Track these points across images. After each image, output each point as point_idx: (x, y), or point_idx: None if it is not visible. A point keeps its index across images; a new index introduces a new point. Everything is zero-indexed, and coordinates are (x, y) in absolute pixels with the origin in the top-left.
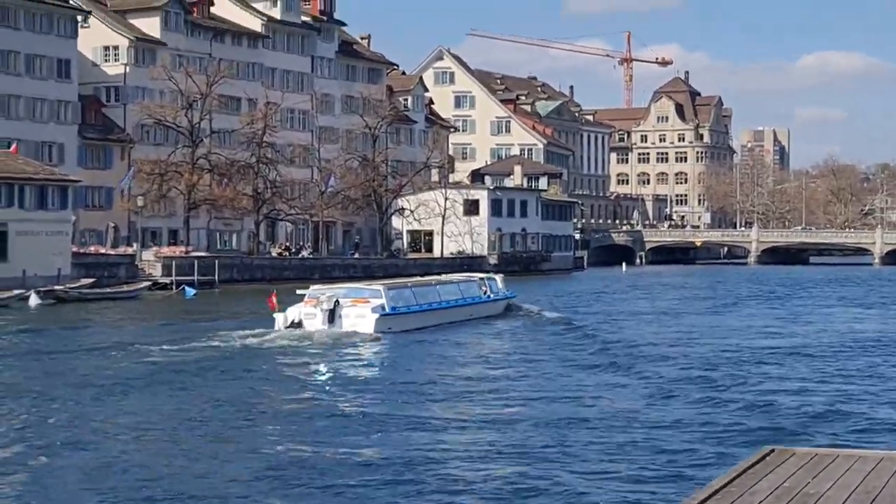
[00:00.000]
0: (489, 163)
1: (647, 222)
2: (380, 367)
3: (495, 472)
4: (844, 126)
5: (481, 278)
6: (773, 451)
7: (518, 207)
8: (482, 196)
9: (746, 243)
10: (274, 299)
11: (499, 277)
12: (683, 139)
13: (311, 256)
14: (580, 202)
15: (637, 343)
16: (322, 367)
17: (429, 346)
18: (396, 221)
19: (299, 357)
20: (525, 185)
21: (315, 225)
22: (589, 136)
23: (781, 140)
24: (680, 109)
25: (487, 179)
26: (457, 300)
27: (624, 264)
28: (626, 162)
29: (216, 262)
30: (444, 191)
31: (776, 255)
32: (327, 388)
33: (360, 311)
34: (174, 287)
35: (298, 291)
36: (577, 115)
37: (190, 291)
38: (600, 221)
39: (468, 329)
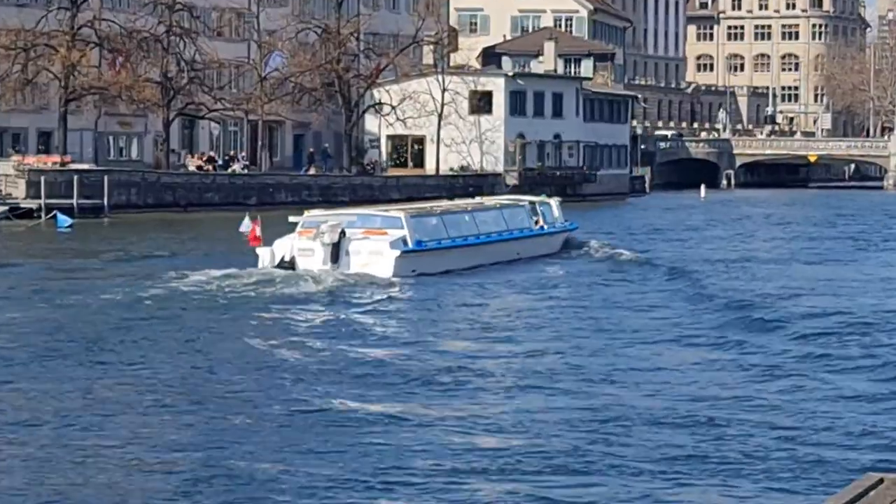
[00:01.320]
0: (509, 38)
1: (738, 127)
2: (405, 333)
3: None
4: None
5: (532, 203)
6: (881, 480)
7: (549, 103)
8: (497, 86)
9: (882, 159)
10: (257, 228)
11: (554, 201)
12: (794, 6)
13: (244, 172)
14: (641, 96)
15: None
16: (324, 328)
17: (471, 298)
18: (372, 123)
19: (292, 312)
20: (561, 70)
21: (253, 126)
22: (657, 1)
23: None
24: None
25: (506, 62)
26: (500, 233)
27: (703, 187)
28: (711, 38)
29: (105, 178)
30: (440, 78)
31: None
32: (333, 366)
33: (375, 245)
34: (43, 214)
35: (292, 218)
36: None
37: (64, 220)
38: (671, 125)
39: (518, 273)
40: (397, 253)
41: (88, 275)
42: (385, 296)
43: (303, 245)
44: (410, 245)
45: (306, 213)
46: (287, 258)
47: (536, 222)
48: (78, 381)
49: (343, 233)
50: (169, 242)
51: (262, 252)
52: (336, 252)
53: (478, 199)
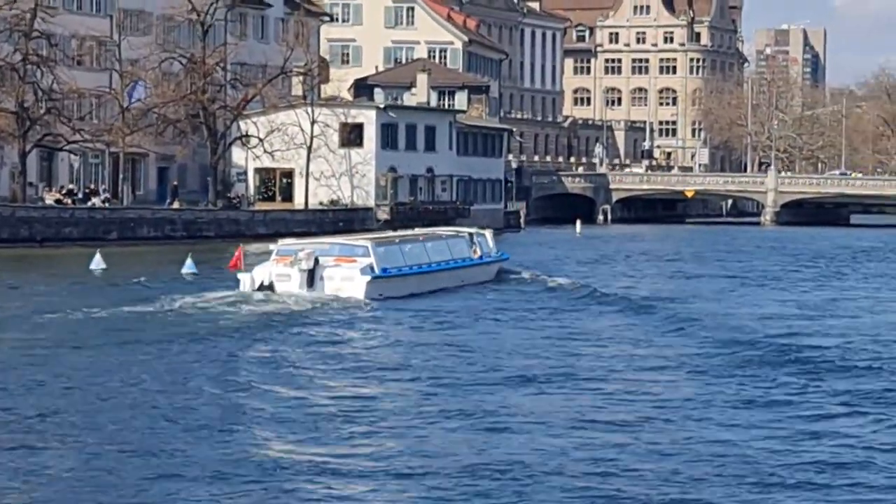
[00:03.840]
0: (381, 69)
1: (615, 161)
2: (400, 350)
3: None
4: None
5: (470, 234)
6: None
7: (422, 137)
8: (368, 119)
9: (759, 194)
10: (241, 256)
11: (489, 234)
12: (671, 40)
13: (105, 206)
14: (517, 130)
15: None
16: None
17: (438, 319)
18: (239, 155)
19: (278, 330)
20: (434, 103)
21: (115, 159)
22: (533, 33)
23: (815, 45)
24: None
25: (378, 94)
26: (447, 262)
27: (578, 223)
28: (588, 72)
29: None
30: (309, 109)
31: (802, 213)
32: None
33: (347, 272)
34: None
35: (271, 247)
36: (516, 1)
37: None
38: (547, 159)
39: (469, 299)
40: (368, 278)
41: None
42: (360, 314)
43: (280, 271)
44: (377, 271)
45: (280, 242)
46: (266, 282)
47: (475, 252)
48: None
49: (317, 260)
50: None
51: (244, 277)
52: (311, 277)
53: (427, 230)
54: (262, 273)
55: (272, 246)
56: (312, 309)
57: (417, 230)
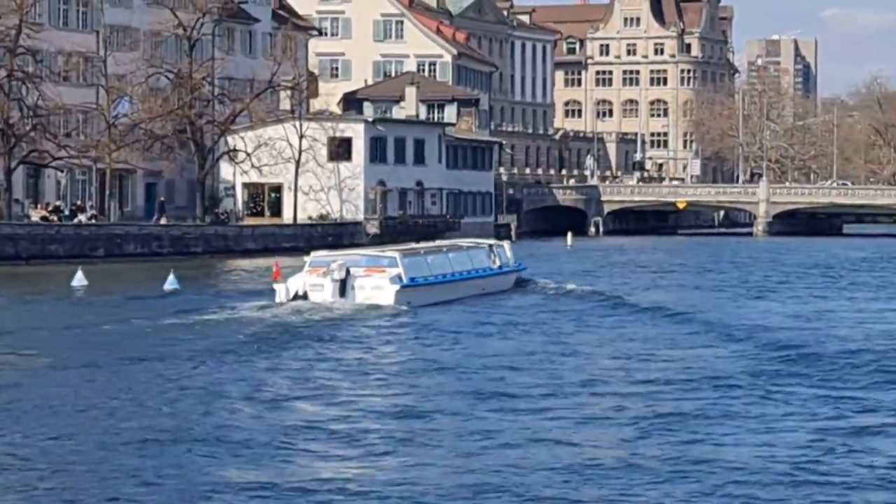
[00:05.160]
0: (370, 82)
1: (607, 173)
2: (445, 352)
3: None
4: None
5: (490, 245)
6: None
7: (411, 150)
8: (357, 133)
9: (752, 205)
10: (279, 269)
11: (506, 244)
12: (662, 52)
13: (91, 222)
14: (506, 143)
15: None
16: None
17: (470, 325)
18: (227, 171)
19: (320, 336)
20: (424, 116)
21: (101, 175)
22: (524, 46)
23: (806, 55)
24: (657, 7)
25: (367, 108)
26: (469, 271)
27: (570, 235)
28: (579, 84)
29: None
30: (298, 124)
31: (794, 223)
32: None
33: (377, 281)
34: None
35: (304, 258)
36: (506, 13)
37: None
38: (538, 172)
39: (491, 306)
40: (397, 287)
41: None
42: (392, 322)
43: (313, 281)
44: (405, 281)
45: (313, 254)
46: (300, 292)
47: (494, 262)
48: None
49: (348, 270)
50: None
51: (279, 287)
52: (343, 287)
53: (449, 241)
54: (296, 283)
55: (305, 258)
56: (345, 317)
57: (438, 242)
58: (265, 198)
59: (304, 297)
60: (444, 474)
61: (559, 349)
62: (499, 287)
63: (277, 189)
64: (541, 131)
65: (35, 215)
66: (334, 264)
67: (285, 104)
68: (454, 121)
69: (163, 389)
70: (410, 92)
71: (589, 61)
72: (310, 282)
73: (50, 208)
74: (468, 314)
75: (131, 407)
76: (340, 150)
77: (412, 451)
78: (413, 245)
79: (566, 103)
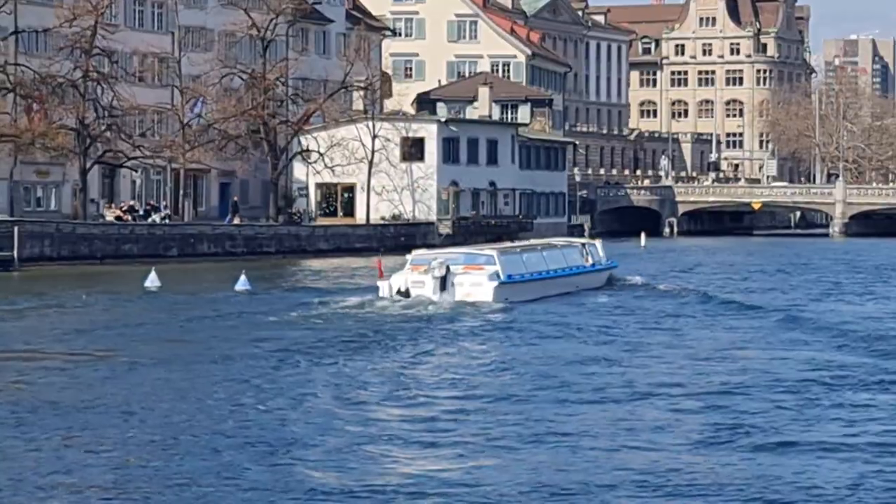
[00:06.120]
0: (444, 83)
1: (682, 174)
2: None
3: None
4: None
5: (583, 244)
6: None
7: (484, 150)
8: (430, 133)
9: (828, 206)
10: (382, 266)
11: (598, 243)
12: (738, 52)
13: (165, 222)
14: (580, 143)
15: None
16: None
17: (567, 321)
18: (300, 171)
19: (429, 328)
20: (497, 116)
21: (176, 175)
22: (598, 46)
23: (884, 55)
24: (733, 7)
25: (440, 108)
26: (563, 269)
27: (643, 235)
28: (654, 85)
29: (15, 229)
30: (371, 124)
31: (871, 224)
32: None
33: (475, 278)
34: None
35: (407, 257)
36: (581, 13)
37: None
38: (612, 172)
39: (585, 301)
40: (496, 284)
41: None
42: (493, 317)
43: (415, 278)
44: (503, 278)
45: (414, 253)
46: (403, 288)
47: (587, 260)
48: None
49: (448, 268)
50: (70, 298)
51: (382, 284)
52: (443, 283)
53: (543, 240)
54: (399, 280)
55: (408, 256)
56: (448, 312)
57: (533, 240)
58: (338, 198)
59: (407, 293)
60: (519, 475)
61: (651, 347)
62: (592, 284)
63: (350, 189)
64: (615, 132)
65: (109, 215)
66: (435, 262)
67: (358, 104)
68: (528, 121)
69: (253, 387)
70: (484, 92)
71: (664, 61)
72: (412, 279)
73: (124, 208)
74: (565, 310)
75: (219, 406)
76: (413, 150)
77: (494, 451)
78: (509, 243)
79: (641, 104)
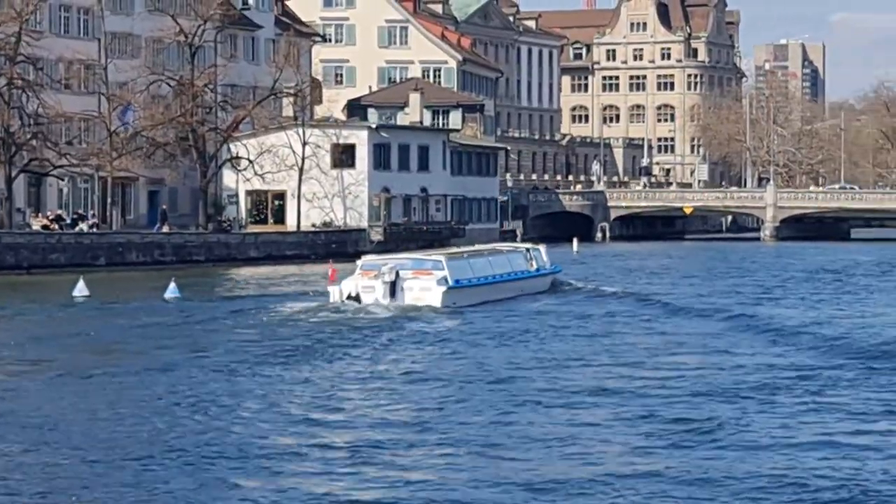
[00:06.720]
0: (375, 89)
1: (614, 179)
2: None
3: None
4: None
5: (527, 249)
6: None
7: (415, 157)
8: (361, 139)
9: (759, 209)
10: (335, 272)
11: (542, 248)
12: (669, 56)
13: (93, 231)
14: (512, 149)
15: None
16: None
17: (513, 325)
18: (230, 178)
19: (374, 334)
20: (429, 122)
21: (104, 183)
22: (530, 51)
23: (813, 59)
24: (664, 12)
25: (371, 114)
26: (508, 274)
27: (575, 241)
28: (585, 90)
29: None
30: (301, 131)
31: (802, 228)
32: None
33: (424, 283)
34: None
35: (357, 262)
36: (512, 19)
37: None
38: (544, 178)
39: (530, 305)
40: (444, 289)
41: None
42: (440, 321)
43: (365, 283)
44: (451, 283)
45: (364, 258)
46: (353, 293)
47: (531, 265)
48: None
49: (397, 273)
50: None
51: (333, 289)
52: (393, 288)
53: (489, 246)
54: (349, 285)
55: (358, 262)
56: (396, 316)
57: (479, 246)
58: (268, 205)
59: (357, 298)
60: (474, 477)
61: (596, 349)
62: (536, 288)
63: (281, 196)
64: (547, 137)
65: (36, 224)
66: (384, 267)
67: (288, 111)
68: (459, 127)
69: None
70: (415, 98)
71: (595, 66)
72: (362, 284)
73: (51, 217)
74: (510, 314)
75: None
76: (344, 156)
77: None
78: (455, 249)
79: (572, 109)
